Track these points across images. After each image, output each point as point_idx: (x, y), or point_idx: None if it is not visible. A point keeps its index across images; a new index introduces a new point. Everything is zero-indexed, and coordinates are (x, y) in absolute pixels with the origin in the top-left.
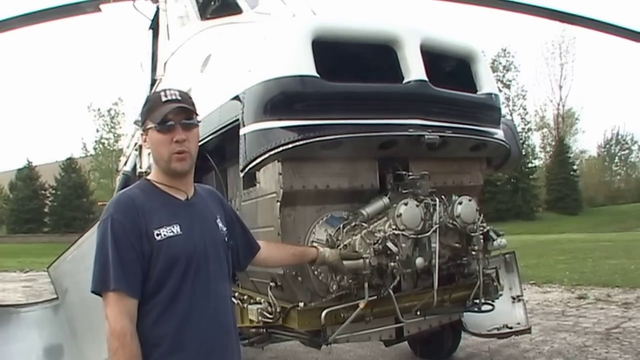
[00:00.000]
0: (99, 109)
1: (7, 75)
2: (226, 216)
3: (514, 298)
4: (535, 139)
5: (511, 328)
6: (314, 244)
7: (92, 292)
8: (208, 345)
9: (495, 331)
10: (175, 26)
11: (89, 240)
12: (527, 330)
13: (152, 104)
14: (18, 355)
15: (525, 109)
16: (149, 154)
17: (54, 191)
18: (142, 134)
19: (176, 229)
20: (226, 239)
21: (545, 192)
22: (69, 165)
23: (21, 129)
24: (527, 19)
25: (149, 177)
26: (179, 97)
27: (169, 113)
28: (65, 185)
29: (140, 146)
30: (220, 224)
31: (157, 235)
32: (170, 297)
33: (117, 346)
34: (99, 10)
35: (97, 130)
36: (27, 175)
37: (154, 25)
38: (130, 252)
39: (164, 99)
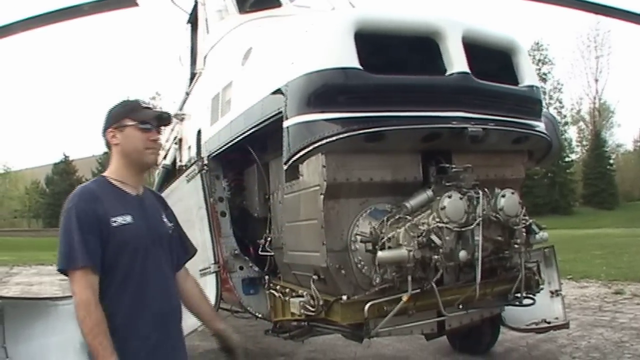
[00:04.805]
0: None
1: (46, 70)
2: (171, 218)
3: (552, 293)
4: (572, 132)
5: (549, 323)
6: (358, 237)
7: (58, 270)
8: (157, 318)
9: (534, 326)
10: (214, 20)
11: None
12: (565, 325)
13: (132, 107)
14: (56, 348)
15: (561, 103)
16: (189, 147)
17: None
18: (110, 131)
19: (128, 219)
20: (170, 232)
21: (581, 187)
22: (106, 160)
23: (58, 124)
24: (561, 10)
25: (104, 174)
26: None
27: (152, 117)
28: None
29: (180, 140)
30: (164, 220)
31: (114, 222)
32: (124, 274)
33: (84, 314)
34: (136, 4)
35: None
36: (64, 169)
37: (193, 19)
38: (92, 234)
39: (143, 105)
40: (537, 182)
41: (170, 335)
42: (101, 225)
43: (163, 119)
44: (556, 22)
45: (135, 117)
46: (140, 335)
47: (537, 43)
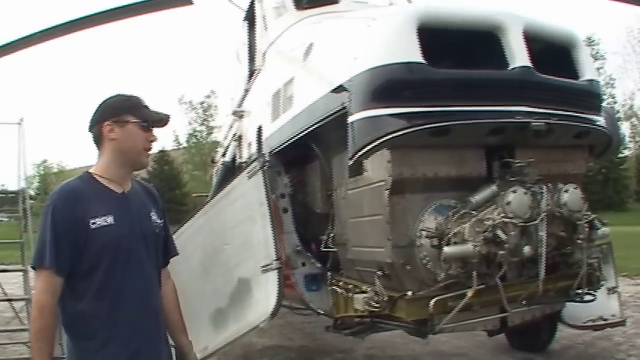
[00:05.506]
0: (190, 102)
1: (98, 68)
2: (161, 214)
3: (609, 289)
4: (625, 128)
5: (606, 320)
6: (423, 232)
7: (31, 267)
8: (138, 322)
9: (591, 323)
10: (271, 17)
11: (188, 231)
12: (622, 323)
13: (135, 103)
14: None
15: (614, 98)
16: (249, 144)
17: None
18: (108, 124)
19: (110, 220)
20: (157, 230)
21: (635, 183)
22: (162, 158)
23: None
24: (611, 3)
25: (90, 170)
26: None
27: (154, 118)
28: (158, 178)
29: (240, 137)
30: (153, 217)
31: (93, 224)
32: (103, 279)
33: (36, 315)
34: (191, 3)
35: (190, 123)
36: None
37: (249, 17)
38: (65, 236)
39: (143, 103)
40: (592, 179)
41: (151, 338)
42: (78, 228)
43: (162, 121)
44: (607, 16)
45: (137, 115)
46: (121, 339)
47: (589, 38)
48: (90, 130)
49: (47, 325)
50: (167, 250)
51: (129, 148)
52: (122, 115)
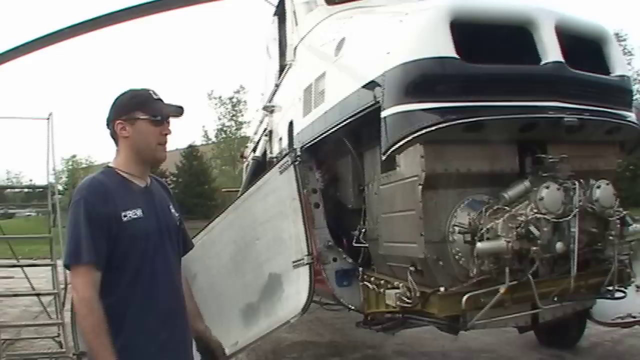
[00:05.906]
0: (220, 97)
1: (126, 63)
2: (177, 208)
3: (638, 287)
4: None
5: (635, 317)
6: (456, 228)
7: (65, 265)
8: (167, 313)
9: (619, 320)
10: (302, 12)
11: (219, 227)
12: None
13: (144, 99)
14: None
15: None
16: (280, 139)
17: (175, 178)
18: (120, 122)
19: (139, 212)
20: (177, 223)
21: None
22: (190, 153)
23: None
24: None
25: (111, 165)
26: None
27: (165, 111)
28: (186, 173)
29: (271, 132)
30: (172, 210)
31: (125, 217)
32: (135, 270)
33: (86, 312)
34: None
35: (219, 118)
36: None
37: (280, 12)
38: (99, 230)
39: (155, 97)
40: (620, 175)
41: (177, 330)
42: (111, 221)
43: (176, 113)
44: (635, 11)
45: (147, 110)
46: (150, 331)
47: (617, 34)
48: (107, 127)
49: (100, 319)
50: (185, 244)
51: (142, 145)
52: (131, 113)
